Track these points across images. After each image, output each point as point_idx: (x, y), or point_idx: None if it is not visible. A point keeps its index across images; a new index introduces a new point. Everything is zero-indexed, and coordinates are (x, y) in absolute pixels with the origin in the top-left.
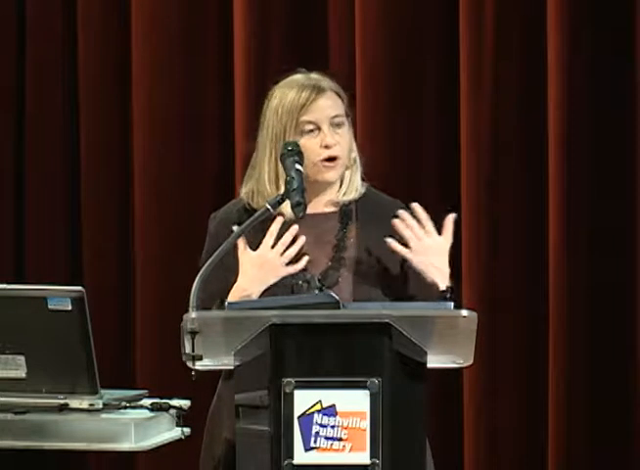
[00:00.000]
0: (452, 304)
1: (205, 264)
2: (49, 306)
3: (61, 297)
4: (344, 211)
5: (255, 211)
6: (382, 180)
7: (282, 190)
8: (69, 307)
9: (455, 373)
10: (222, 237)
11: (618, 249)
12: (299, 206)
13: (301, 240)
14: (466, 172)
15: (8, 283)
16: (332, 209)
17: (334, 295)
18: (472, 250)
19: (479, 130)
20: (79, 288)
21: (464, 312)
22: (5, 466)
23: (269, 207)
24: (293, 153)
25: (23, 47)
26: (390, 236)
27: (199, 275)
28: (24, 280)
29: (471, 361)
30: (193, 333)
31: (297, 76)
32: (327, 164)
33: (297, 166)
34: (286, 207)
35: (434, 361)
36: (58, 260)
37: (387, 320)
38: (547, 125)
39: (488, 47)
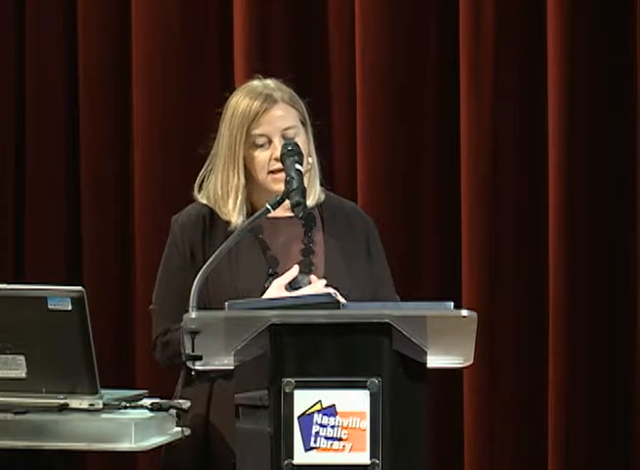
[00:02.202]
0: (452, 304)
1: (206, 264)
2: (49, 306)
3: (61, 297)
4: (307, 217)
5: (220, 217)
6: (382, 181)
7: (232, 200)
8: (69, 307)
9: (455, 373)
10: (193, 242)
11: (619, 248)
12: (299, 205)
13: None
14: (466, 173)
15: (8, 283)
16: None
17: (334, 295)
18: (472, 250)
19: (479, 130)
20: (79, 288)
21: (464, 312)
22: (5, 466)
23: (269, 207)
24: (293, 153)
25: (23, 47)
26: (355, 243)
27: (199, 275)
28: (24, 280)
29: (471, 361)
30: (193, 333)
31: (253, 84)
32: (274, 176)
33: (297, 166)
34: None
35: (434, 361)
36: (58, 260)
37: (387, 320)
38: (547, 126)
39: (488, 47)
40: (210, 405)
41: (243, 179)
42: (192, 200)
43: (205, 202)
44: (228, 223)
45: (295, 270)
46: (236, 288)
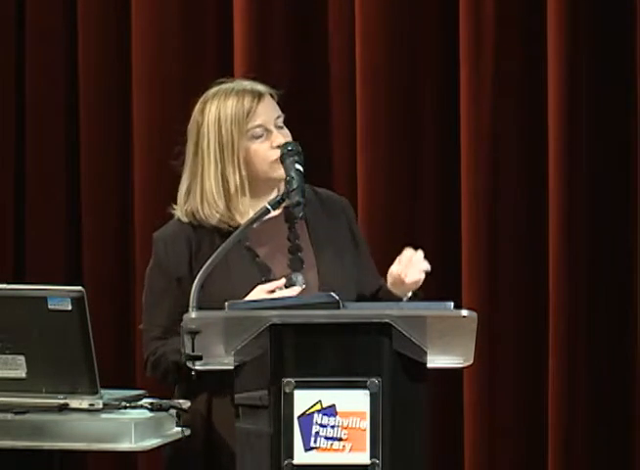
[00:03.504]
0: (452, 304)
1: (205, 265)
2: (49, 306)
3: (61, 297)
4: (288, 212)
5: (205, 227)
6: (382, 180)
7: (232, 202)
8: (69, 307)
9: (455, 373)
10: (179, 260)
11: (619, 248)
12: (299, 205)
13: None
14: (466, 172)
15: (8, 283)
16: (276, 212)
17: (334, 295)
18: (472, 250)
19: (478, 130)
20: (79, 288)
21: (464, 312)
22: (5, 466)
23: (269, 207)
24: (293, 153)
25: (23, 47)
26: (340, 230)
27: (199, 275)
28: (24, 280)
29: (471, 361)
30: (193, 333)
31: (228, 85)
32: (275, 165)
33: (297, 166)
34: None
35: (434, 361)
36: (58, 260)
37: (387, 320)
38: (547, 126)
39: (488, 48)
40: (211, 419)
41: (245, 173)
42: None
43: (186, 220)
44: (215, 232)
45: (281, 282)
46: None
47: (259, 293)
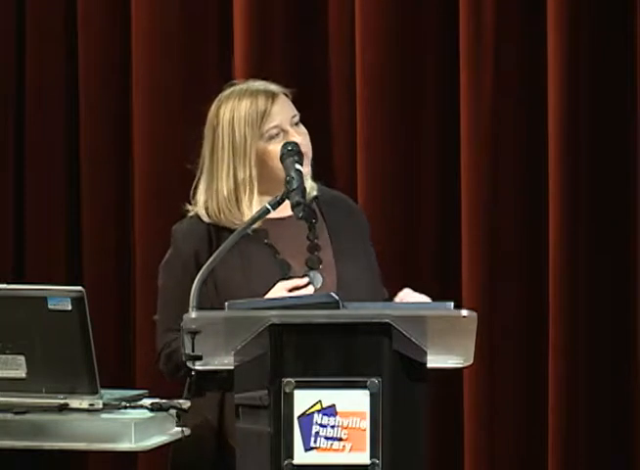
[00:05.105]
0: (452, 304)
1: (205, 265)
2: (49, 306)
3: (61, 297)
4: (308, 212)
5: (226, 227)
6: (381, 181)
7: (242, 207)
8: (69, 307)
9: (455, 373)
10: (198, 253)
11: (619, 247)
12: (299, 205)
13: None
14: (466, 172)
15: (8, 283)
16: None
17: (334, 295)
18: (472, 249)
19: (479, 130)
20: (79, 288)
21: (464, 312)
22: (5, 466)
23: (269, 207)
24: (292, 153)
25: (23, 47)
26: (357, 231)
27: (199, 275)
28: (24, 280)
29: (471, 361)
30: (193, 333)
31: (241, 87)
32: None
33: (297, 166)
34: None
35: (434, 361)
36: (58, 260)
37: (387, 320)
38: (547, 126)
39: (488, 47)
40: (223, 415)
41: (255, 172)
42: (190, 202)
43: (207, 220)
44: (232, 232)
45: (303, 280)
46: (253, 298)
47: (280, 289)
